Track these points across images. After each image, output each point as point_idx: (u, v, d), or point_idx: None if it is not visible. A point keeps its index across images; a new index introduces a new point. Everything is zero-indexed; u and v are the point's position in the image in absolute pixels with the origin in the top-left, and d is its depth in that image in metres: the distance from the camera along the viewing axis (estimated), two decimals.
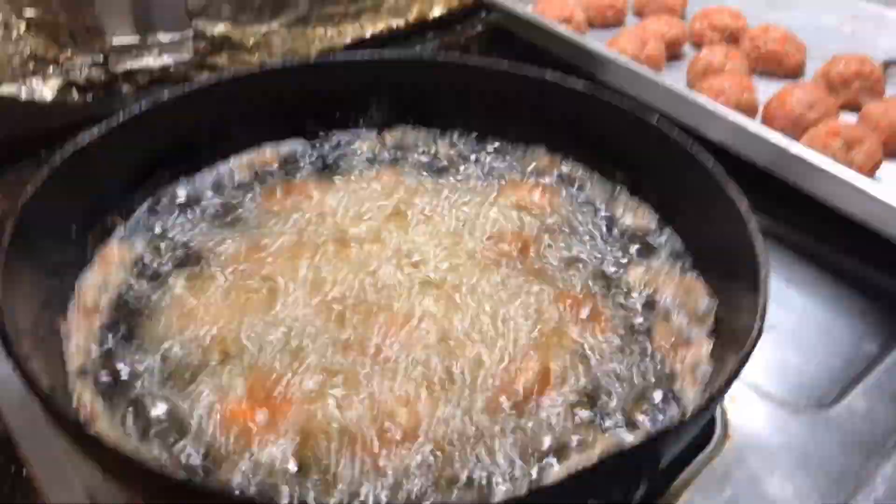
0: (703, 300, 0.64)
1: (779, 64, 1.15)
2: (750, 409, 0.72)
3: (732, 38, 1.20)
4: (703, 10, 1.25)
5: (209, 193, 0.76)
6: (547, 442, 0.51)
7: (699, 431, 0.68)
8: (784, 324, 0.83)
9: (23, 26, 0.94)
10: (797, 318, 0.85)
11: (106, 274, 0.65)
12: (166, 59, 1.06)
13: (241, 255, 0.68)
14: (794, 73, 1.15)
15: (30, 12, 0.94)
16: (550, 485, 0.40)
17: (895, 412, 0.73)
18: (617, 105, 0.76)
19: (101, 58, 1.01)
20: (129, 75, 1.04)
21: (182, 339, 0.59)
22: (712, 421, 0.71)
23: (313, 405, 0.54)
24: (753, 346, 0.49)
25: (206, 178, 0.78)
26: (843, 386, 0.76)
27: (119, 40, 1.03)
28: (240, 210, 0.74)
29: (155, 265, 0.67)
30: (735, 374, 0.47)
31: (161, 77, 1.06)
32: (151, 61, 1.05)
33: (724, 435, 0.70)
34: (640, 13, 1.33)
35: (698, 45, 1.22)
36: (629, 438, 0.50)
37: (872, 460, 0.68)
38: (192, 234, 0.71)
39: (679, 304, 0.64)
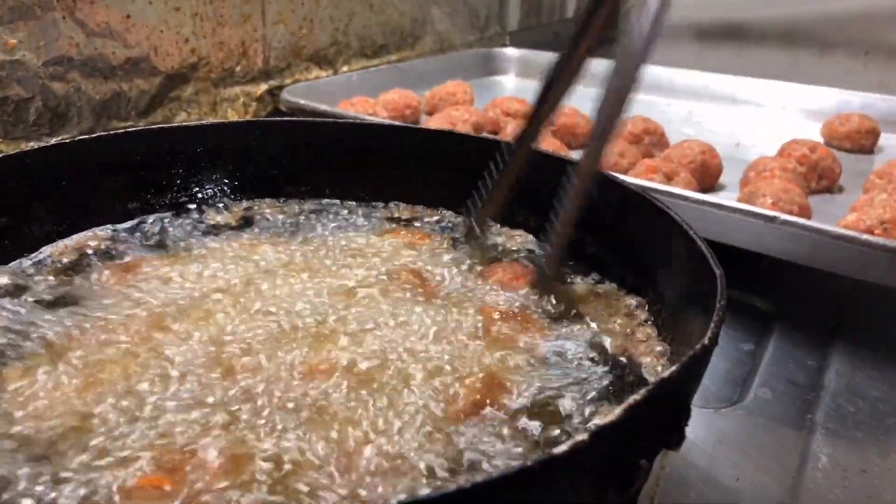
0: (629, 300, 0.61)
1: (573, 135, 1.24)
2: None
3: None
4: (493, 100, 1.33)
5: (28, 280, 0.61)
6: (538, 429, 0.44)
7: None
8: None
9: None
10: None
11: None
12: None
13: (80, 336, 0.53)
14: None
15: None
16: (608, 424, 0.32)
17: (797, 392, 0.74)
18: (479, 139, 0.75)
19: None
20: None
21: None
22: None
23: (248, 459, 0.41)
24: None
25: (23, 263, 0.63)
26: (742, 382, 0.77)
27: None
28: (70, 293, 0.60)
29: None
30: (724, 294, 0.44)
31: None
32: None
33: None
34: (431, 112, 1.38)
35: (494, 132, 1.28)
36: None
37: (801, 435, 0.68)
38: (12, 322, 0.55)
39: (603, 308, 0.61)
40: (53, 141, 1.01)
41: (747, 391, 0.75)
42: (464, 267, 0.66)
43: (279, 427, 0.44)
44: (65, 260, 0.65)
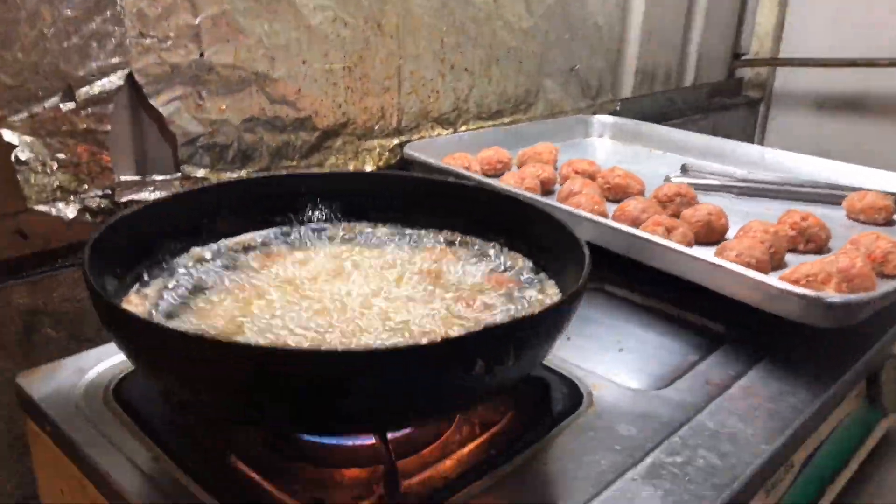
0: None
1: (624, 194, 1.55)
2: (607, 392, 1.01)
3: (590, 177, 1.61)
4: (569, 160, 1.67)
5: (209, 258, 1.05)
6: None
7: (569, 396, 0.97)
8: (631, 349, 1.15)
9: (55, 165, 1.24)
10: (641, 346, 1.17)
11: (135, 308, 0.91)
12: (159, 194, 1.37)
13: (242, 285, 0.96)
14: None
15: (61, 155, 1.25)
16: (460, 337, 0.68)
17: (705, 390, 1.03)
18: (500, 193, 1.11)
19: (109, 191, 1.31)
20: (129, 204, 1.34)
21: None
22: (579, 397, 0.99)
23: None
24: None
25: (205, 251, 1.07)
26: (673, 378, 1.07)
27: (124, 178, 1.34)
28: (236, 265, 1.03)
29: (171, 297, 0.94)
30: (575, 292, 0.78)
31: None
32: (147, 195, 1.36)
33: (589, 404, 0.98)
34: (521, 165, 1.75)
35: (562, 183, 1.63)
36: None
37: (692, 415, 0.97)
38: (200, 278, 0.98)
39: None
40: (243, 174, 1.49)
41: (672, 384, 1.05)
42: (470, 271, 1.03)
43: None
44: (234, 249, 1.08)
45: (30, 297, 1.24)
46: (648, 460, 0.88)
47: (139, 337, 0.74)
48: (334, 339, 0.83)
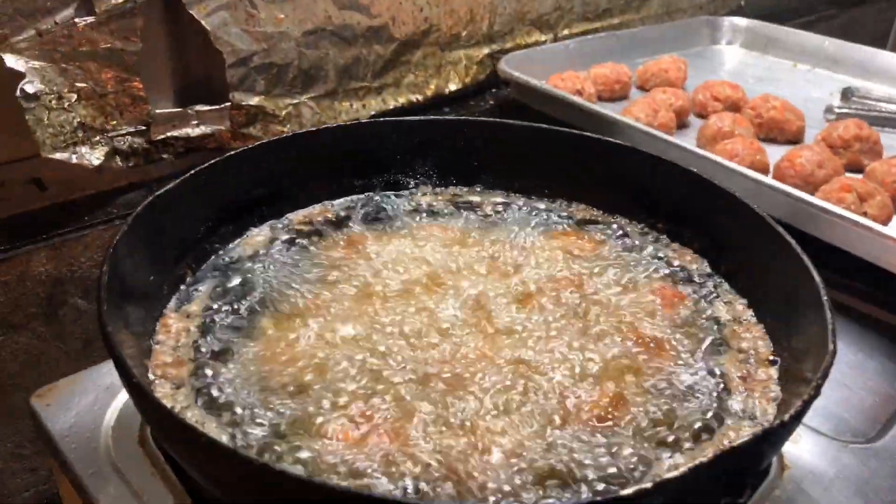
0: (764, 341, 0.68)
1: (780, 130, 1.23)
2: (802, 444, 0.75)
3: (734, 107, 1.28)
4: (705, 82, 1.34)
5: (272, 245, 0.79)
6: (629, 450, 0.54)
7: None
8: None
9: (74, 97, 0.98)
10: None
11: (177, 336, 0.66)
12: (204, 129, 1.10)
13: (312, 300, 0.70)
14: (795, 139, 1.23)
15: (80, 84, 0.98)
16: (673, 478, 0.42)
17: None
18: (659, 159, 0.81)
19: (143, 126, 1.05)
20: (168, 143, 1.08)
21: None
22: None
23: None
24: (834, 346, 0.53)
25: (264, 231, 0.81)
26: (886, 420, 0.80)
27: (161, 110, 1.07)
28: (303, 260, 0.77)
29: (224, 315, 0.69)
30: (825, 375, 0.51)
31: (198, 146, 1.10)
32: (190, 130, 1.09)
33: (781, 468, 0.73)
34: (643, 87, 1.42)
35: (701, 115, 1.30)
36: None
37: None
38: (263, 280, 0.73)
39: (739, 342, 0.68)
40: (305, 98, 1.20)
41: (886, 431, 0.78)
42: (624, 280, 0.75)
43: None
44: (303, 227, 0.82)
45: (53, 262, 1.01)
46: None
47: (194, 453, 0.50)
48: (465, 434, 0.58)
